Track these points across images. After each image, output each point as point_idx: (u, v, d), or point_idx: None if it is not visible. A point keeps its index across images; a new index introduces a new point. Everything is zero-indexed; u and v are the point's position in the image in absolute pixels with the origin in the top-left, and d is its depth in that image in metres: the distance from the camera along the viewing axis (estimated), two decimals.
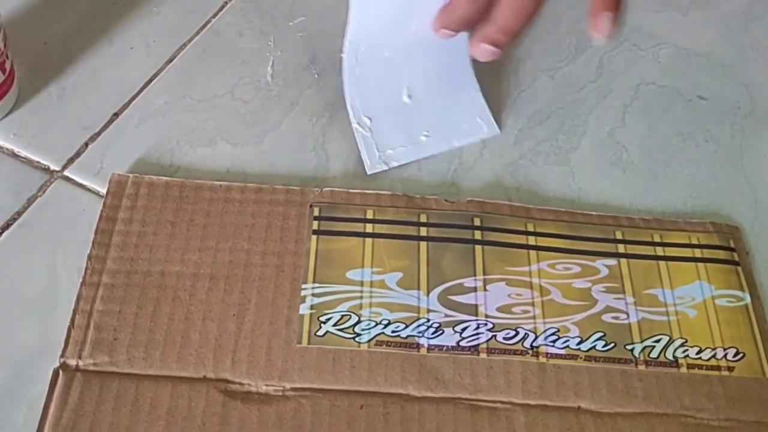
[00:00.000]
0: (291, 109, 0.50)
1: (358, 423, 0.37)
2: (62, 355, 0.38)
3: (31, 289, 0.41)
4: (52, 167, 0.45)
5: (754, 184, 0.49)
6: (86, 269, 0.41)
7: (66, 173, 0.45)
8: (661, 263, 0.43)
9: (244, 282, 0.41)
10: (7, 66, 0.46)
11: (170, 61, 0.51)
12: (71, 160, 0.46)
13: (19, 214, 0.43)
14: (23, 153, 0.46)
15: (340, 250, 0.42)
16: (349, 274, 0.42)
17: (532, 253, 0.43)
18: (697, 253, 0.44)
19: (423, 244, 0.43)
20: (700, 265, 0.43)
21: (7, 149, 0.46)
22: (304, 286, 0.41)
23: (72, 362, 0.38)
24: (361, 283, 0.41)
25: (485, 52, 0.42)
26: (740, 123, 0.52)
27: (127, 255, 0.41)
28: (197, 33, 0.54)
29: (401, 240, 0.43)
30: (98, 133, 0.47)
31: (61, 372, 0.37)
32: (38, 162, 0.46)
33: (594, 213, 0.45)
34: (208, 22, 0.54)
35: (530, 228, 0.44)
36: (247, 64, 0.52)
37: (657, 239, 0.44)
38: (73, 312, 0.39)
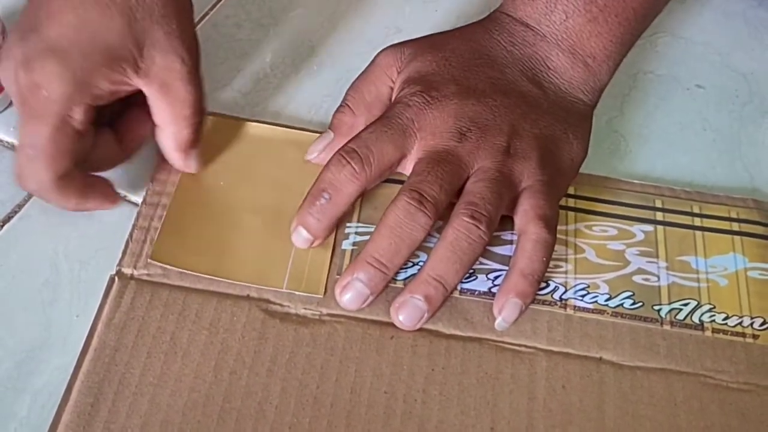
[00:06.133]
0: (290, 101, 0.50)
1: (386, 351, 0.39)
2: (119, 264, 0.41)
3: (33, 282, 0.41)
4: None
5: (752, 173, 0.49)
6: (147, 190, 0.43)
7: None
8: (698, 233, 0.44)
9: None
10: None
11: None
12: None
13: (20, 206, 0.44)
14: None
15: (385, 194, 0.44)
16: None
17: (571, 214, 0.45)
18: (735, 226, 0.45)
19: None
20: (737, 238, 0.44)
21: (7, 142, 0.46)
22: (348, 224, 0.43)
23: (127, 271, 0.41)
24: None
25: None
26: (738, 111, 0.52)
27: None
28: (195, 25, 0.52)
29: None
30: None
31: (116, 278, 0.40)
32: None
33: (636, 181, 0.46)
34: (206, 14, 0.55)
35: (570, 191, 0.45)
36: (246, 56, 0.53)
37: (696, 210, 0.45)
38: (132, 227, 0.42)
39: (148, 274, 0.40)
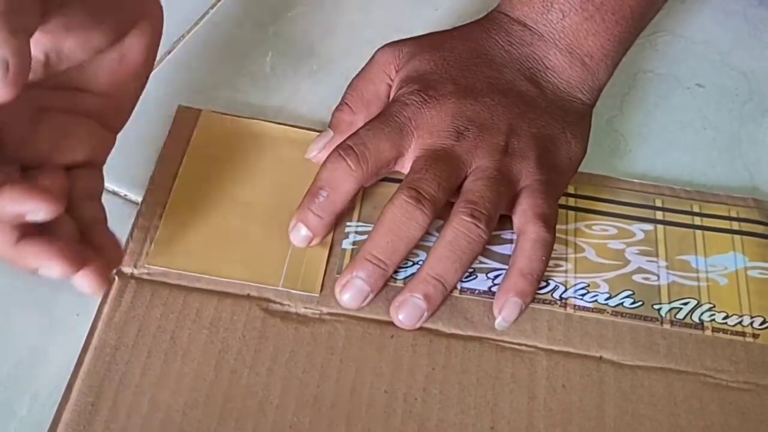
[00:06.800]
0: (290, 100, 0.50)
1: (387, 350, 0.39)
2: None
3: (33, 280, 0.39)
4: None
5: (752, 172, 0.49)
6: (147, 189, 0.43)
7: None
8: (698, 232, 0.44)
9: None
10: None
11: (169, 52, 0.51)
12: None
13: None
14: None
15: (385, 193, 0.44)
16: None
17: (570, 213, 0.45)
18: (735, 225, 0.45)
19: None
20: (737, 237, 0.44)
21: None
22: (348, 223, 0.43)
23: (128, 270, 0.40)
24: None
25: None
26: (738, 110, 0.52)
27: None
28: (195, 24, 0.53)
29: None
30: None
31: (117, 278, 0.40)
32: None
33: (636, 180, 0.46)
34: (206, 13, 0.54)
35: (570, 190, 0.45)
36: (246, 56, 0.52)
37: (696, 209, 0.45)
38: (132, 226, 0.42)
39: (148, 273, 0.40)
